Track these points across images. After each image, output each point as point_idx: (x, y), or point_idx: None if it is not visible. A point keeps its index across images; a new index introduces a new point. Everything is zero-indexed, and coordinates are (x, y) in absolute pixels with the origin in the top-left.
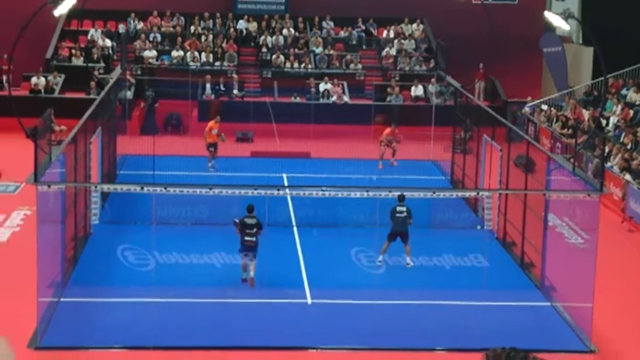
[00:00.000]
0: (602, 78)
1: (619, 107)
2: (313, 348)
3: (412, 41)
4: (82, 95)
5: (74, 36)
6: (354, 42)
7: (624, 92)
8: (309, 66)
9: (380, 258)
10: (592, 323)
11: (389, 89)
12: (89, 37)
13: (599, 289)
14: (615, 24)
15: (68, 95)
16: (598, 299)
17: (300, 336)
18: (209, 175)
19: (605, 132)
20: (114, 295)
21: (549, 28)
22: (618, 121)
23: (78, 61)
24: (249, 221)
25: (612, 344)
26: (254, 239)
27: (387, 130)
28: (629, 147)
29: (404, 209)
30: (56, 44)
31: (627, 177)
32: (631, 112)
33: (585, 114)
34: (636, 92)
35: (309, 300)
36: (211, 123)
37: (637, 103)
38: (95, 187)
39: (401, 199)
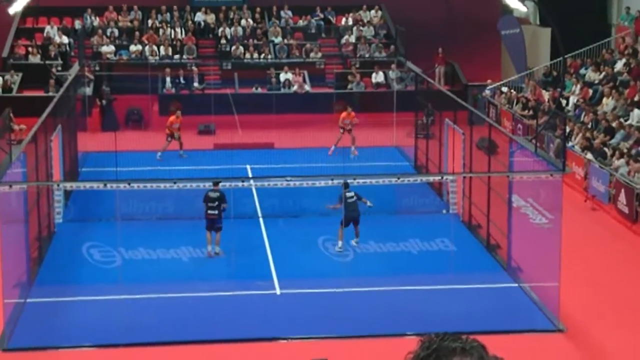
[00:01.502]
0: (560, 58)
1: (578, 86)
2: (283, 338)
3: (371, 28)
4: (40, 93)
5: (29, 34)
6: (313, 31)
7: (582, 71)
8: (269, 56)
9: (340, 244)
10: (559, 302)
11: (349, 77)
12: (45, 34)
13: (565, 267)
14: (571, 4)
15: (26, 93)
16: (564, 277)
17: (270, 327)
18: (172, 169)
19: (566, 112)
20: (81, 294)
21: (507, 10)
22: (578, 101)
23: (35, 59)
24: (212, 194)
25: (580, 322)
26: (215, 212)
27: (344, 113)
28: (589, 126)
29: (352, 193)
30: (12, 42)
31: (589, 156)
32: (590, 91)
33: (545, 95)
34: (594, 71)
35: (278, 291)
36: (172, 117)
37: (596, 82)
38: (58, 185)
39: (346, 185)
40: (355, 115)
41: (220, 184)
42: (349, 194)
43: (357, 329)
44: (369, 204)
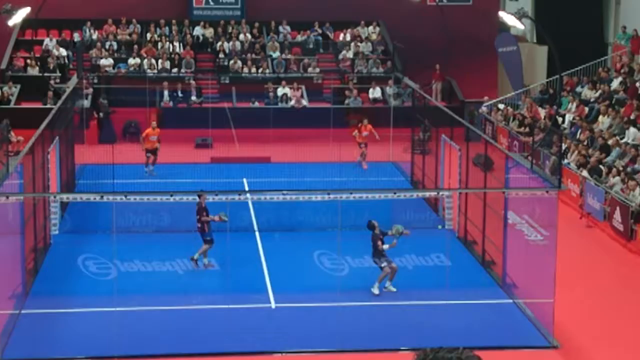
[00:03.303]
0: (557, 76)
1: (574, 104)
2: (278, 352)
3: (369, 44)
4: (38, 105)
5: (28, 46)
6: (311, 46)
7: (578, 89)
8: (267, 71)
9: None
10: (553, 318)
11: (347, 92)
12: (43, 46)
13: (560, 284)
14: (568, 22)
15: (24, 105)
16: (559, 294)
17: (265, 340)
18: (169, 182)
19: (562, 129)
20: (76, 306)
21: (504, 28)
22: (574, 118)
23: (34, 71)
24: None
25: (574, 339)
26: (198, 225)
27: (361, 127)
28: (585, 143)
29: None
30: (11, 54)
31: (584, 173)
32: (586, 109)
33: (542, 112)
34: (591, 89)
35: (273, 305)
36: (148, 129)
37: (592, 100)
38: (54, 197)
39: (370, 227)
40: (371, 127)
41: (217, 197)
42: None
43: (352, 344)
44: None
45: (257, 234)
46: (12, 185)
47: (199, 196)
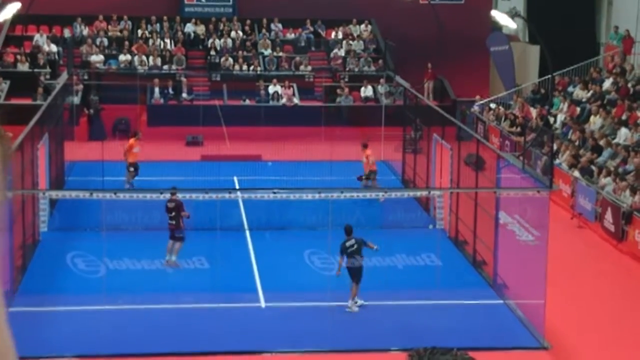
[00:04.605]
0: (548, 76)
1: (566, 104)
2: (268, 352)
3: (361, 42)
4: (28, 101)
5: (18, 41)
6: (303, 44)
7: (570, 89)
8: (258, 68)
9: (355, 302)
10: (544, 319)
11: (338, 90)
12: (34, 42)
13: (551, 285)
14: (560, 22)
15: (14, 101)
16: (550, 295)
17: (254, 340)
18: (158, 179)
19: (553, 129)
20: (65, 304)
21: (496, 27)
22: (565, 118)
23: (23, 67)
24: (169, 205)
25: (565, 340)
26: (173, 222)
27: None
28: (576, 143)
29: (352, 241)
30: (0, 49)
31: (576, 173)
32: (578, 109)
33: (533, 112)
34: (582, 89)
35: (263, 304)
36: (131, 140)
37: (584, 100)
38: (43, 193)
39: (348, 232)
40: (371, 153)
41: (207, 195)
42: (349, 243)
43: (342, 343)
44: (375, 247)
45: (247, 232)
46: None
47: (173, 193)
